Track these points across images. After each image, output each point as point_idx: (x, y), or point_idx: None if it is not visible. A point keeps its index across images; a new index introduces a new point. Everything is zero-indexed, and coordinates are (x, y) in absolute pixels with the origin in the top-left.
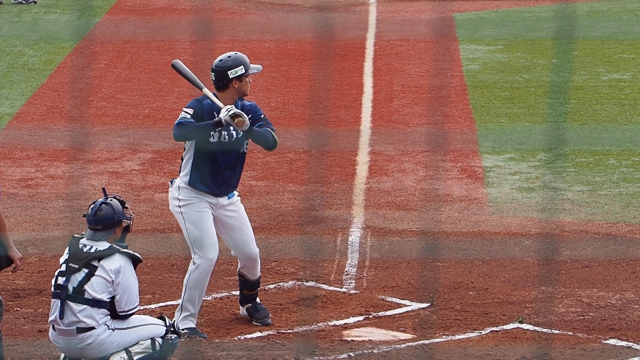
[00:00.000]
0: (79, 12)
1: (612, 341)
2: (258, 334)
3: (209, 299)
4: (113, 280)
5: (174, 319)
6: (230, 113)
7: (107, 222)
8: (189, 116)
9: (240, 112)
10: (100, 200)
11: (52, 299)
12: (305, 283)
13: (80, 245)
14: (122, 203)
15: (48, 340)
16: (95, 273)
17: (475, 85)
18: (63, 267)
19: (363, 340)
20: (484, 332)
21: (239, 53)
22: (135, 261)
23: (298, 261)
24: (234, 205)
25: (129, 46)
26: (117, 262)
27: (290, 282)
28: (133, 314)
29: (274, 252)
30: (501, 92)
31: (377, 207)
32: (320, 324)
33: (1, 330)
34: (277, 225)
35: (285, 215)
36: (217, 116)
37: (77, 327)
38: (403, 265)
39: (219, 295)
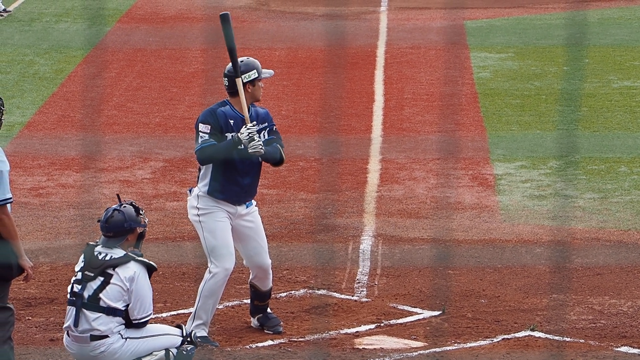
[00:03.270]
0: (89, 20)
1: (623, 349)
2: (270, 342)
3: (220, 307)
4: (128, 288)
5: (189, 327)
6: (248, 137)
7: (117, 229)
8: (207, 136)
9: (259, 141)
10: (113, 207)
11: (67, 306)
12: (316, 291)
13: (95, 253)
14: (137, 210)
15: (60, 349)
16: (111, 281)
17: (486, 93)
18: (79, 275)
19: (375, 349)
20: (495, 340)
21: (250, 58)
22: (150, 270)
23: (309, 269)
24: (252, 216)
25: (140, 55)
26: (131, 270)
27: (302, 290)
28: (146, 322)
29: (285, 260)
30: (512, 100)
31: (388, 215)
32: (331, 332)
33: (13, 339)
34: (289, 234)
35: (296, 224)
36: (232, 125)
37: (90, 335)
38: (414, 273)
39: (230, 304)
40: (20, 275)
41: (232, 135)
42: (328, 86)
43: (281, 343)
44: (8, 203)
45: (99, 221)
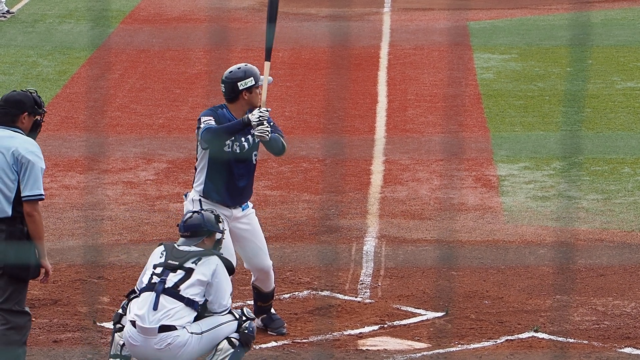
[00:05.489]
0: (93, 22)
1: (627, 350)
2: (273, 343)
3: None
4: (209, 282)
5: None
6: (258, 119)
7: (195, 228)
8: (212, 122)
9: (267, 127)
10: (193, 209)
11: (142, 293)
12: (320, 292)
13: (177, 247)
14: (217, 217)
15: (64, 350)
16: (192, 275)
17: (490, 94)
18: (158, 269)
19: (378, 350)
20: (499, 341)
21: (249, 64)
22: (228, 269)
23: (313, 270)
24: (248, 218)
25: (143, 56)
26: (213, 264)
27: (305, 292)
28: None
29: (288, 261)
30: (515, 101)
31: (391, 216)
32: (335, 334)
33: (26, 344)
34: (292, 235)
35: (299, 225)
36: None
37: (160, 325)
38: (418, 274)
39: (233, 305)
40: (37, 277)
41: (243, 118)
42: (331, 87)
43: (285, 344)
44: (40, 199)
45: (178, 225)
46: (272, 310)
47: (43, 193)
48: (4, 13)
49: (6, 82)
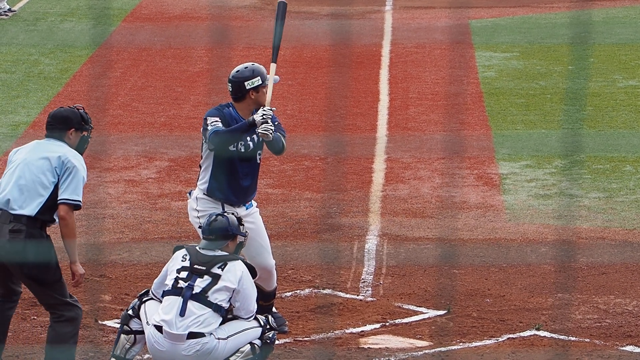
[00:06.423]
0: (94, 20)
1: (629, 348)
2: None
3: None
4: (235, 289)
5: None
6: (262, 118)
7: (220, 232)
8: (218, 123)
9: (271, 126)
10: (217, 212)
11: (166, 297)
12: (321, 291)
13: (201, 251)
14: (239, 220)
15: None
16: (220, 281)
17: (491, 92)
18: (183, 273)
19: (380, 348)
20: (500, 340)
21: (255, 64)
22: (251, 273)
23: (314, 268)
24: (252, 217)
25: (145, 54)
26: (239, 270)
27: (307, 290)
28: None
29: (290, 259)
30: (517, 99)
31: (393, 215)
32: (337, 332)
33: (76, 344)
34: (294, 233)
35: (301, 223)
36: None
37: (189, 332)
38: (419, 272)
39: None
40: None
41: (249, 119)
42: (333, 85)
43: (286, 342)
44: (77, 207)
45: (199, 227)
46: (274, 309)
47: (81, 201)
48: (5, 11)
49: (8, 80)
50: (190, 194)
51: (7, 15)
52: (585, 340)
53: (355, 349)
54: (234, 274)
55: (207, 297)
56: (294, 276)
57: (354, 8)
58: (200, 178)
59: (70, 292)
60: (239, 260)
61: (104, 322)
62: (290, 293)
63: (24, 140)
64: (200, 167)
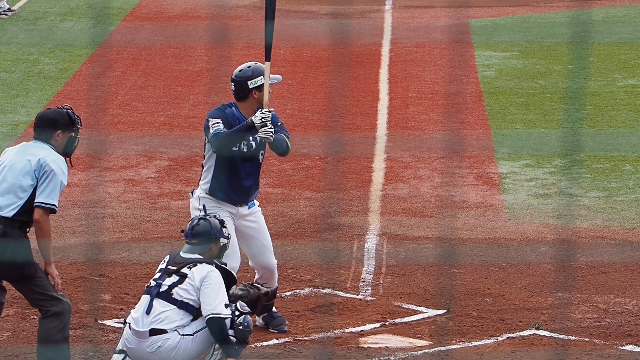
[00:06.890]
0: (94, 19)
1: (628, 347)
2: (275, 341)
3: None
4: (198, 286)
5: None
6: (261, 121)
7: (203, 236)
8: (220, 125)
9: (271, 128)
10: (199, 215)
11: (142, 296)
12: (321, 290)
13: (181, 254)
14: (221, 223)
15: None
16: (186, 279)
17: (491, 92)
18: (157, 274)
19: (379, 347)
20: (500, 339)
21: (258, 63)
22: (229, 278)
23: (314, 268)
24: (254, 216)
25: (144, 53)
26: (205, 271)
27: (307, 289)
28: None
29: (290, 259)
30: (517, 99)
31: (393, 214)
32: (336, 331)
33: (68, 340)
34: (294, 232)
35: (301, 222)
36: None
37: (150, 329)
38: (419, 271)
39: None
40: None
41: (247, 120)
42: (333, 85)
43: (286, 342)
44: (52, 211)
45: (182, 231)
46: (274, 308)
47: (57, 205)
48: (5, 10)
49: (8, 79)
50: (192, 193)
51: (6, 14)
52: (585, 339)
53: (355, 349)
54: (200, 273)
55: (172, 294)
56: (293, 275)
57: (353, 7)
58: (202, 178)
59: (70, 292)
60: (209, 264)
61: (103, 322)
62: (290, 292)
63: (23, 140)
64: (203, 166)
